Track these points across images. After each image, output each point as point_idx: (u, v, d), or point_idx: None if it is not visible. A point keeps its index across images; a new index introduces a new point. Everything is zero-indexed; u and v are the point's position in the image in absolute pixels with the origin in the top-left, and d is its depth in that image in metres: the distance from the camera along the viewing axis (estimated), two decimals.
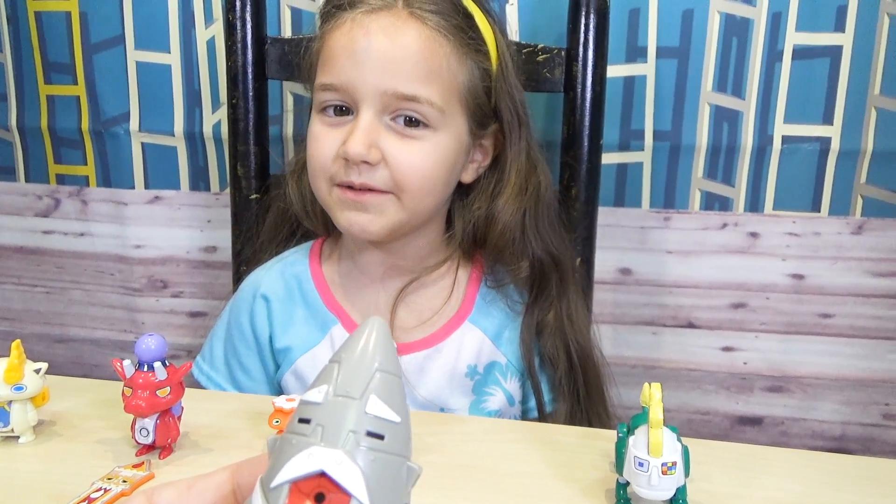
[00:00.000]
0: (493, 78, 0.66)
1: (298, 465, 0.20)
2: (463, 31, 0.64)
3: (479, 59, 0.65)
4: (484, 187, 0.69)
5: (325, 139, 0.63)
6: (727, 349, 0.97)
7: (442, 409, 0.67)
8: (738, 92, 0.91)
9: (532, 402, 0.70)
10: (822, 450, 0.97)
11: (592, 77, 0.79)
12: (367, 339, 0.23)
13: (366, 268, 0.70)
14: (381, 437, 0.21)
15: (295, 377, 0.69)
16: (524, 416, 0.71)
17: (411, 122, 0.62)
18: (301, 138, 0.78)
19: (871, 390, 0.95)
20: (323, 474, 0.20)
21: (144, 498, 0.25)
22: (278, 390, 0.71)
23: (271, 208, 0.78)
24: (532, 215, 0.68)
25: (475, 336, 0.68)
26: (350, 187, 0.62)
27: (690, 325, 0.97)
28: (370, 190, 0.62)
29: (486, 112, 0.67)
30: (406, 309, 0.68)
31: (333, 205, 0.65)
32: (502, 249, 0.67)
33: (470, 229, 0.68)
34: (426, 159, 0.62)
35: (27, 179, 1.07)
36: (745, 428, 0.98)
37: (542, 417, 0.69)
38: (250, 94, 0.82)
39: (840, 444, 0.96)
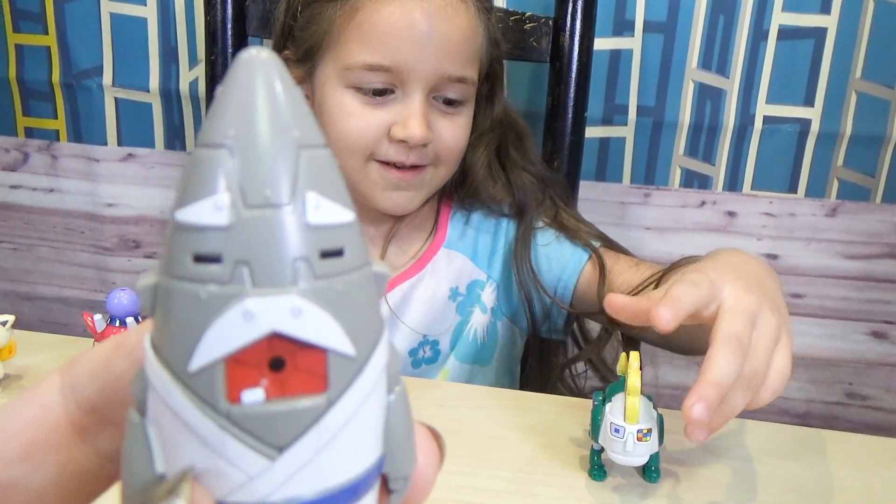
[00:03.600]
0: (490, 35, 0.67)
1: (231, 333, 0.13)
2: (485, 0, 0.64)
3: (490, 25, 0.66)
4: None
5: (366, 118, 0.61)
6: None
7: (425, 336, 0.67)
8: (723, 70, 0.91)
9: (523, 322, 0.71)
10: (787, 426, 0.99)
11: (579, 48, 0.78)
12: (266, 97, 0.14)
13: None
14: (339, 254, 0.14)
15: None
16: (503, 329, 0.72)
17: (450, 101, 0.63)
18: None
19: (836, 370, 0.97)
20: (275, 335, 0.13)
21: None
22: None
23: None
24: (503, 152, 0.71)
25: (453, 259, 0.70)
26: (394, 165, 0.63)
27: None
28: (414, 167, 0.63)
29: (483, 71, 0.68)
30: (394, 249, 0.70)
31: (372, 184, 0.64)
32: (478, 185, 0.70)
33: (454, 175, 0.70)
34: (463, 133, 0.65)
35: None
36: None
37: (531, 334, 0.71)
38: (229, 51, 0.80)
39: (804, 421, 0.99)
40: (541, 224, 0.70)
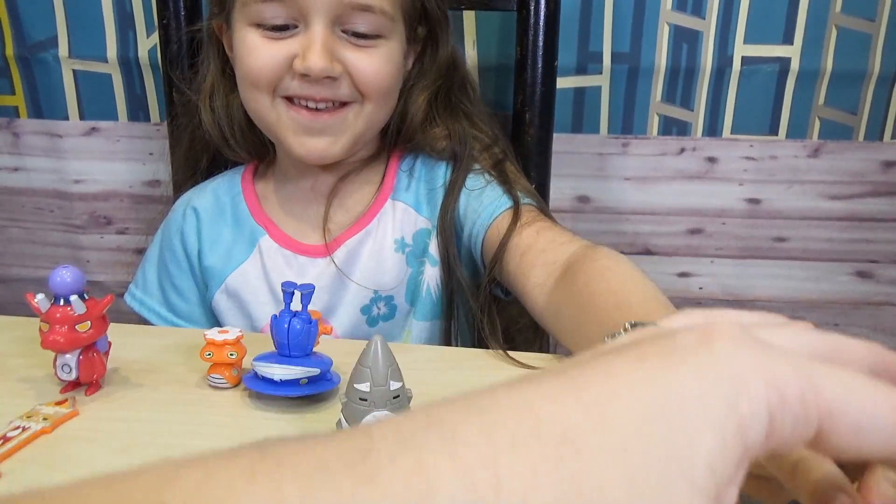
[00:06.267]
0: None
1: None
2: None
3: None
4: (407, 85, 0.68)
5: (268, 51, 0.59)
6: (683, 275, 0.97)
7: (377, 292, 0.65)
8: (699, 11, 0.88)
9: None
10: None
11: None
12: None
13: (299, 178, 0.69)
14: (397, 396, 0.36)
15: (227, 296, 0.67)
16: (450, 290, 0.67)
17: (362, 35, 0.60)
18: (201, 57, 0.71)
19: (822, 312, 0.97)
20: None
21: None
22: (211, 312, 0.69)
23: (184, 136, 0.74)
24: (445, 98, 0.68)
25: (398, 209, 0.68)
26: (306, 107, 0.60)
27: (648, 252, 0.96)
28: (332, 105, 0.60)
29: (417, 16, 0.65)
30: (338, 205, 0.67)
31: (284, 128, 0.62)
32: (413, 130, 0.67)
33: (393, 123, 0.68)
34: (385, 66, 0.62)
35: None
36: None
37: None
38: (182, 13, 0.77)
39: None
40: (477, 167, 0.67)
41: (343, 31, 0.60)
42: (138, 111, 0.97)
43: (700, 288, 0.97)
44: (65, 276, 0.42)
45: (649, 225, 0.96)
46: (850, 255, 0.94)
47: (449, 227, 0.65)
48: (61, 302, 0.42)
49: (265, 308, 0.65)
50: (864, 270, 0.95)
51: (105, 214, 1.01)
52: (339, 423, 0.35)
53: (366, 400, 0.34)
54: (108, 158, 0.99)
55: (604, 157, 0.94)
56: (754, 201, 0.94)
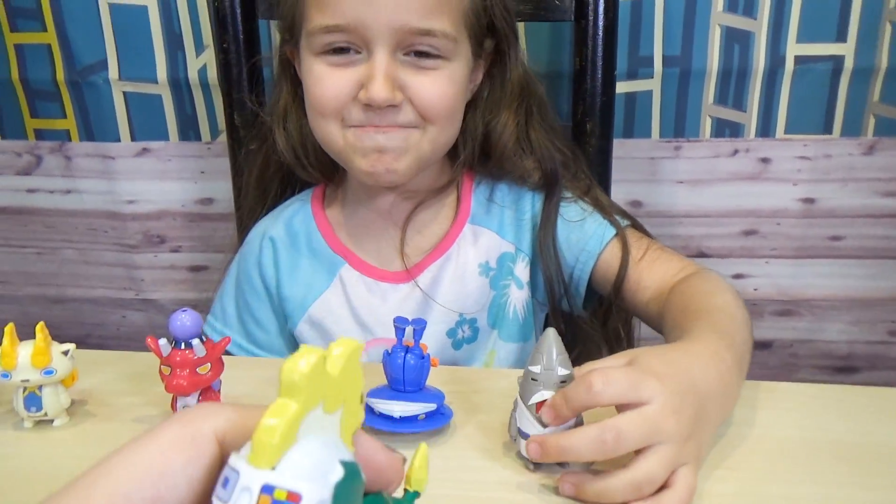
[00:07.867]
0: None
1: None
2: None
3: None
4: (481, 104, 0.67)
5: (333, 81, 0.60)
6: (738, 276, 0.97)
7: (462, 315, 0.66)
8: (750, 11, 0.87)
9: (541, 295, 0.69)
10: (829, 369, 0.99)
11: (605, 3, 0.75)
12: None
13: (372, 204, 0.69)
14: None
15: (310, 325, 0.67)
16: (537, 304, 0.70)
17: (425, 55, 0.60)
18: (275, 81, 0.71)
19: (878, 309, 0.97)
20: None
21: None
22: (292, 342, 0.69)
23: (255, 160, 0.74)
24: (528, 122, 0.68)
25: (479, 234, 0.68)
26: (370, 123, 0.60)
27: (701, 255, 0.96)
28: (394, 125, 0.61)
29: (483, 30, 0.64)
30: (414, 231, 0.68)
31: (350, 151, 0.61)
32: (505, 160, 0.67)
33: (473, 148, 0.67)
34: (448, 89, 0.61)
35: (3, 136, 1.01)
36: (755, 352, 0.99)
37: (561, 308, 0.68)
38: (241, 36, 0.77)
39: (846, 363, 0.99)
40: (568, 195, 0.68)
41: (405, 55, 0.59)
42: (189, 131, 0.97)
43: (755, 289, 0.97)
44: (185, 320, 0.42)
45: (702, 227, 0.96)
46: None
47: (551, 257, 0.65)
48: (182, 346, 0.43)
49: (349, 336, 0.65)
50: None
51: (158, 233, 1.02)
52: (515, 402, 0.42)
53: (536, 380, 0.40)
54: (159, 178, 0.99)
55: (656, 161, 0.94)
56: (809, 201, 0.94)
